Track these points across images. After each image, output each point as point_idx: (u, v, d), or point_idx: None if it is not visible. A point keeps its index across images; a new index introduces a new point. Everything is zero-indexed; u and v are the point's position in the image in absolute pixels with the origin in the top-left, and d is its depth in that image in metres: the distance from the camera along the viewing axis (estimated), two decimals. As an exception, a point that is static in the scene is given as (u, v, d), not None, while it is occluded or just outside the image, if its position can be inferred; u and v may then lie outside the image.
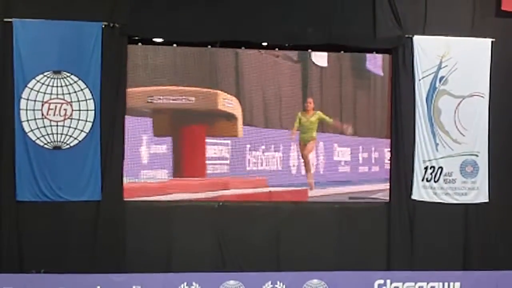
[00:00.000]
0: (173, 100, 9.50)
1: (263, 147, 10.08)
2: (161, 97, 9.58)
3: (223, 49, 11.32)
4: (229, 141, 9.58)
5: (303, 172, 10.77)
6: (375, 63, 12.59)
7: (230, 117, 9.76)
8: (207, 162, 10.27)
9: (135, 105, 9.57)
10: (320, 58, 10.85)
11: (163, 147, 9.78)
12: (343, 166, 11.22)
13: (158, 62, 11.01)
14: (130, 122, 9.45)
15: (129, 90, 10.03)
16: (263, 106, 9.78)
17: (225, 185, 11.40)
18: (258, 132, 9.86)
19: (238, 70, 9.73)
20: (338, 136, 10.94)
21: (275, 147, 9.98)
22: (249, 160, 10.59)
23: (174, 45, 13.72)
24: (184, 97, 9.53)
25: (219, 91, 9.62)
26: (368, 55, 12.56)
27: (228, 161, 10.77)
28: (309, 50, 12.45)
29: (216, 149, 9.94)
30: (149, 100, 9.60)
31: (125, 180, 10.93)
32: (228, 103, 9.74)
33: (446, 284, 13.57)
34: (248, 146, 9.79)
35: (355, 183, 12.28)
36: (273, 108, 9.73)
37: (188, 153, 9.81)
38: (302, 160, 11.19)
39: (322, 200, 12.09)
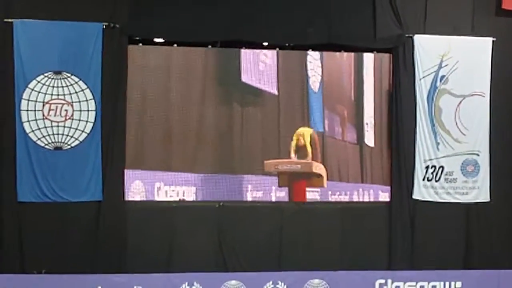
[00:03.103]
0: (288, 166, 14.41)
1: (338, 192, 14.65)
2: (283, 165, 14.40)
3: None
4: (318, 190, 14.51)
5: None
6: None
7: (319, 176, 14.50)
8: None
9: (269, 170, 14.39)
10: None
11: (283, 193, 14.44)
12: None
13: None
14: (266, 180, 14.36)
15: (266, 162, 14.35)
16: (338, 170, 14.72)
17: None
18: (335, 184, 14.62)
19: (324, 155, 14.67)
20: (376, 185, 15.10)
21: (344, 192, 14.69)
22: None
23: (175, 45, 13.88)
24: (295, 165, 14.42)
25: (313, 161, 14.45)
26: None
27: (318, 201, 15.52)
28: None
29: (311, 195, 14.59)
30: (276, 167, 14.34)
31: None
32: (319, 168, 14.48)
33: (447, 283, 13.51)
34: (329, 192, 14.53)
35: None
36: (344, 171, 14.75)
37: (296, 196, 14.48)
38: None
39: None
